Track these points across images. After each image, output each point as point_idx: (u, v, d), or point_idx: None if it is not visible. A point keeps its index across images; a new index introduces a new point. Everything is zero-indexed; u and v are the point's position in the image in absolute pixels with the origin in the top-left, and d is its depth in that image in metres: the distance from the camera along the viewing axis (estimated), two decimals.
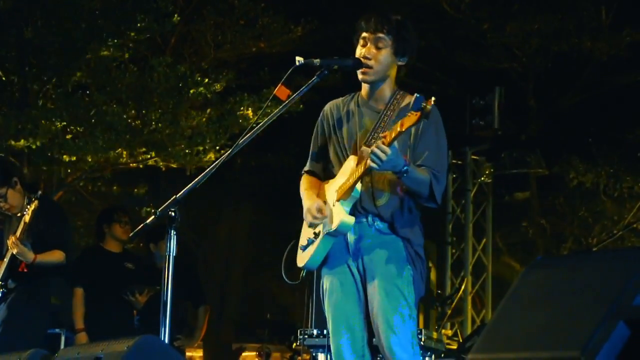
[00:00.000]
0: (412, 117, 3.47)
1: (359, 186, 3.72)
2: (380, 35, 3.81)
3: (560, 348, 1.81)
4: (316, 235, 3.82)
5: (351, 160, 3.77)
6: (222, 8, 10.39)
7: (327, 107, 4.04)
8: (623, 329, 1.75)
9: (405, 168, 3.59)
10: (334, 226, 3.72)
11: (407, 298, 3.72)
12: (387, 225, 3.78)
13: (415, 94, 3.54)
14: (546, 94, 12.32)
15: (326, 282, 3.88)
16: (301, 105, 9.52)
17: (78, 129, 8.93)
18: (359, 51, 3.84)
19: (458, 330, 10.18)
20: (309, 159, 4.08)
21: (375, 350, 3.85)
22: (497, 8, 11.52)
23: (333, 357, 3.85)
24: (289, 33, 10.46)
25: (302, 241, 3.92)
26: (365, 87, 3.92)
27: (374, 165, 3.54)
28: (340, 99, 4.03)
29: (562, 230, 12.51)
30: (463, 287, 10.24)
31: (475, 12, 11.57)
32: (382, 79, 3.85)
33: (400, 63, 3.87)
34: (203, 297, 7.61)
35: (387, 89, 3.87)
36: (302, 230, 3.98)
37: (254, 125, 3.84)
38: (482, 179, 10.61)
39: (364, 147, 3.72)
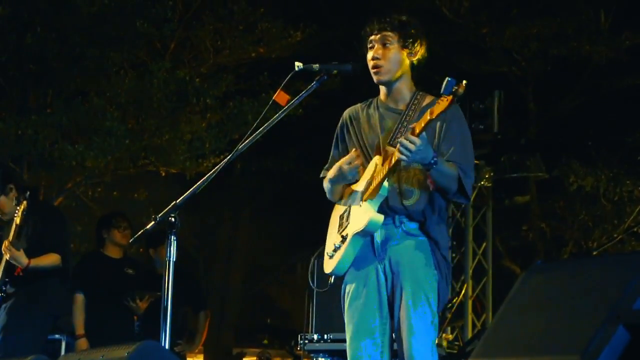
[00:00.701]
0: (443, 103, 3.45)
1: (386, 184, 3.71)
2: (385, 33, 3.83)
3: (560, 352, 1.81)
4: (343, 238, 3.80)
5: (375, 160, 3.76)
6: (221, 13, 10.40)
7: (345, 113, 4.04)
8: (623, 333, 1.75)
9: (434, 160, 3.58)
10: (362, 224, 3.69)
11: (431, 305, 3.71)
12: (417, 226, 3.77)
13: (447, 78, 3.51)
14: (546, 98, 12.32)
15: (349, 286, 3.85)
16: (301, 110, 9.52)
17: (77, 134, 8.94)
18: (368, 56, 3.85)
19: (459, 335, 10.16)
20: (329, 164, 4.04)
21: (395, 355, 3.82)
22: (496, 12, 11.52)
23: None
24: (288, 38, 10.46)
25: (329, 247, 3.90)
26: (382, 90, 3.93)
27: (403, 157, 3.53)
28: (359, 104, 4.03)
29: (562, 234, 12.49)
30: (463, 291, 10.23)
31: (474, 16, 11.57)
32: (397, 78, 3.85)
33: (411, 58, 3.86)
34: (203, 302, 7.62)
35: (405, 89, 3.87)
36: (328, 236, 3.96)
37: (254, 130, 3.84)
38: (482, 182, 10.59)
39: (388, 147, 3.72)
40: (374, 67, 3.83)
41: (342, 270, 3.82)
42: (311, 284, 4.24)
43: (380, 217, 3.69)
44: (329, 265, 3.87)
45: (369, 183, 3.74)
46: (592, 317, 1.82)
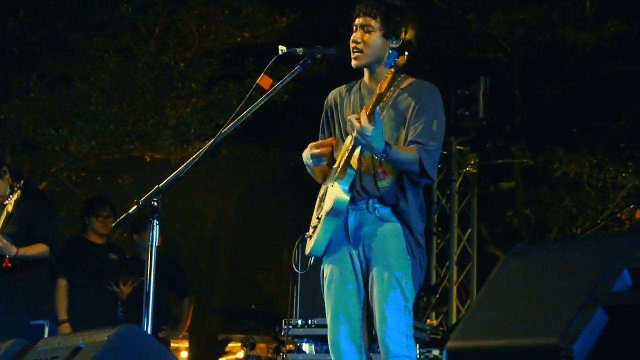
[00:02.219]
0: (388, 77, 3.55)
1: (353, 163, 3.72)
2: (368, 19, 3.83)
3: (539, 335, 1.81)
4: (319, 219, 3.83)
5: (347, 140, 3.79)
6: None
7: (330, 96, 4.07)
8: (602, 316, 1.75)
9: (384, 154, 3.60)
10: (329, 204, 3.72)
11: (404, 289, 3.71)
12: (389, 210, 3.77)
13: (389, 50, 3.65)
14: (531, 84, 12.35)
15: (326, 270, 3.88)
16: (286, 96, 9.51)
17: (61, 119, 8.89)
18: (351, 37, 3.86)
19: (443, 320, 10.21)
20: None
21: (374, 339, 3.84)
22: None
23: (330, 346, 3.85)
24: (273, 23, 10.42)
25: (310, 230, 3.93)
26: (366, 72, 3.94)
27: (354, 134, 3.59)
28: (343, 86, 4.06)
29: (546, 220, 12.54)
30: (448, 276, 10.27)
31: (460, 2, 11.57)
32: (377, 61, 3.86)
33: (393, 45, 3.86)
34: (187, 288, 7.61)
35: (386, 72, 3.88)
36: (312, 218, 3.99)
37: (237, 114, 3.84)
38: (467, 169, 10.63)
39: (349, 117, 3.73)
40: (353, 50, 3.84)
41: (319, 251, 3.83)
42: (294, 267, 4.26)
43: (346, 196, 3.71)
44: (308, 246, 3.91)
45: (341, 159, 3.77)
46: (571, 300, 1.82)
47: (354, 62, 3.87)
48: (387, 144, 3.62)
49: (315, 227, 3.86)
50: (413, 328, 3.77)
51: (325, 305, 3.88)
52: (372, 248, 3.76)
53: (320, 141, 3.90)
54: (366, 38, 3.83)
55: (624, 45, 11.41)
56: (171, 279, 7.26)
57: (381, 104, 3.73)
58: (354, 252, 3.81)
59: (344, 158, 3.73)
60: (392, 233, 3.76)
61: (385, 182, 3.77)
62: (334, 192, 3.72)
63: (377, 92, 3.58)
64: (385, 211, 3.77)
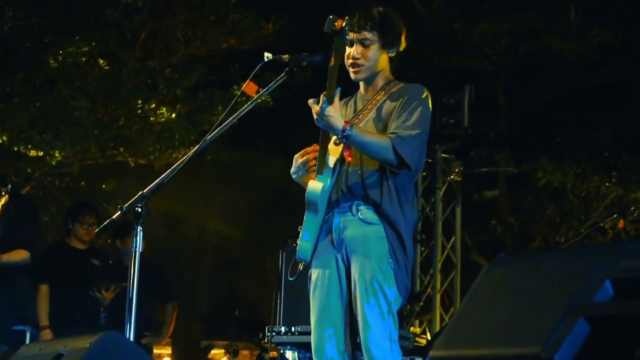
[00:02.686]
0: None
1: (332, 158, 3.72)
2: (365, 33, 3.81)
3: (521, 344, 1.81)
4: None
5: (332, 139, 3.78)
6: (192, 4, 10.35)
7: None
8: (583, 325, 1.76)
9: (343, 132, 3.59)
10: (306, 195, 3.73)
11: (386, 294, 3.67)
12: (372, 210, 3.75)
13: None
14: (516, 93, 12.40)
15: (313, 275, 3.86)
16: (271, 102, 9.51)
17: (45, 124, 8.85)
18: (347, 52, 3.84)
19: (426, 328, 10.21)
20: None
21: (358, 347, 3.82)
22: (467, 7, 11.57)
23: (313, 351, 3.82)
24: (259, 29, 10.43)
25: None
26: (362, 85, 3.96)
27: (319, 123, 3.63)
28: (342, 101, 4.04)
29: (530, 228, 12.58)
30: (431, 284, 10.28)
31: (446, 11, 11.61)
32: (375, 73, 3.88)
33: (390, 54, 3.88)
34: (171, 294, 7.58)
35: (380, 80, 3.89)
36: None
37: (222, 120, 3.83)
38: (452, 177, 10.64)
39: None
40: (353, 65, 3.83)
41: (304, 254, 3.81)
42: (281, 274, 4.25)
43: (317, 185, 3.70)
44: (296, 251, 3.90)
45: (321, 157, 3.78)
46: (553, 310, 1.82)
47: (354, 77, 3.87)
48: (348, 123, 3.62)
49: (299, 230, 3.87)
50: (397, 332, 3.74)
51: (311, 309, 3.87)
52: (354, 251, 3.75)
53: (303, 150, 3.89)
54: (366, 52, 3.82)
55: (609, 55, 11.48)
56: (154, 285, 7.24)
57: (369, 105, 3.75)
58: (338, 256, 3.79)
59: (324, 155, 3.74)
60: (375, 236, 3.73)
61: (370, 180, 3.76)
62: (308, 184, 3.73)
63: (329, 71, 3.59)
64: (369, 213, 3.76)
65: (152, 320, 7.58)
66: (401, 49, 3.93)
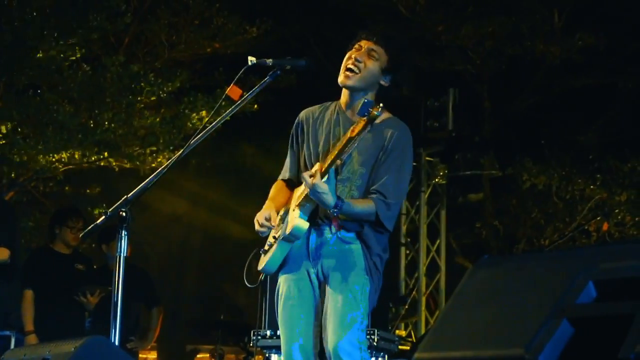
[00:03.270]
0: (360, 124, 3.51)
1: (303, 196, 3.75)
2: (379, 47, 3.81)
3: (504, 346, 1.83)
4: (275, 239, 3.84)
5: (316, 167, 3.75)
6: (176, 8, 10.32)
7: (302, 114, 4.04)
8: (566, 327, 1.77)
9: (335, 210, 3.64)
10: (287, 230, 3.73)
11: (360, 306, 3.72)
12: (354, 235, 3.79)
13: (364, 99, 3.58)
14: (500, 96, 12.42)
15: (283, 286, 3.88)
16: (256, 106, 9.50)
17: (29, 128, 8.81)
18: (349, 54, 3.83)
19: (412, 331, 10.23)
20: (284, 165, 4.07)
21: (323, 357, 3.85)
22: (451, 10, 11.59)
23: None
24: (243, 34, 10.42)
25: (265, 245, 3.92)
26: (345, 96, 3.91)
27: (307, 190, 3.65)
28: (317, 106, 4.03)
29: (515, 231, 12.61)
30: (417, 287, 10.29)
31: (430, 14, 11.62)
32: (364, 89, 3.83)
33: (383, 83, 3.85)
34: (156, 299, 7.58)
35: (359, 118, 3.87)
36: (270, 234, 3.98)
37: (207, 125, 3.83)
38: (436, 180, 10.68)
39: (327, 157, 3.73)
40: (349, 69, 3.82)
41: (270, 270, 3.87)
42: (245, 279, 4.24)
43: (305, 224, 3.73)
44: (260, 263, 3.91)
45: (303, 190, 3.76)
46: (536, 312, 1.84)
47: (344, 80, 3.83)
48: (339, 199, 3.65)
49: (270, 245, 3.87)
50: (366, 344, 3.79)
51: (279, 321, 3.89)
52: (331, 265, 3.78)
53: (266, 215, 3.85)
54: (369, 62, 3.81)
55: (592, 59, 11.53)
56: (140, 290, 7.24)
57: (351, 142, 3.70)
58: (312, 270, 3.83)
59: (306, 188, 3.72)
60: (353, 253, 3.79)
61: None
62: (293, 219, 3.73)
63: (348, 135, 3.57)
64: (347, 234, 3.79)
65: (138, 325, 7.57)
66: (398, 83, 3.89)
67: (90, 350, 3.13)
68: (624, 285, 1.84)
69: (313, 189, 3.59)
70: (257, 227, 3.85)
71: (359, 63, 3.80)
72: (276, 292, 3.93)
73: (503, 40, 11.48)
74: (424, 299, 10.33)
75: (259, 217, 3.83)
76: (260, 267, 3.92)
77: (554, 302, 1.83)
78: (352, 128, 3.56)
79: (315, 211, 3.77)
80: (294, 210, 3.77)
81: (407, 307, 9.76)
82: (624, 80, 12.07)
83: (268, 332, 6.09)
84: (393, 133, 3.78)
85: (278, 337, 6.00)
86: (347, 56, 3.84)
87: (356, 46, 3.85)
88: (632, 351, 1.65)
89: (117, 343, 3.49)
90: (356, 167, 3.77)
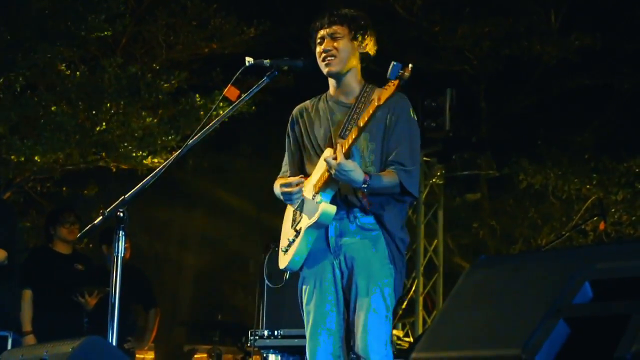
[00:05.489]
0: (390, 88, 3.54)
1: (328, 180, 3.73)
2: (335, 27, 3.87)
3: (501, 346, 1.83)
4: (297, 233, 3.81)
5: (327, 152, 3.76)
6: (174, 9, 10.32)
7: (295, 111, 4.07)
8: (563, 327, 1.78)
9: (365, 185, 3.63)
10: (315, 217, 3.71)
11: (386, 299, 3.72)
12: (373, 219, 3.77)
13: (393, 62, 3.60)
14: (497, 97, 12.45)
15: (306, 282, 3.87)
16: (253, 107, 9.50)
17: (26, 129, 8.81)
18: (318, 50, 3.88)
19: (409, 331, 10.23)
20: (283, 164, 4.08)
21: (349, 348, 3.83)
22: (448, 11, 11.61)
23: (309, 356, 3.84)
24: (241, 34, 10.42)
25: (283, 243, 3.91)
26: (332, 84, 3.96)
27: (332, 172, 3.62)
28: (308, 101, 4.05)
29: (512, 231, 12.63)
30: (414, 287, 10.30)
31: (427, 15, 11.64)
32: (347, 70, 3.88)
33: (361, 50, 3.90)
34: (154, 300, 7.59)
35: (354, 82, 3.90)
36: (282, 232, 3.97)
37: (204, 125, 3.83)
38: (434, 180, 10.68)
39: (339, 140, 3.75)
40: (325, 58, 3.86)
41: (296, 265, 3.84)
42: (267, 281, 4.24)
43: (333, 208, 3.71)
44: (283, 261, 3.88)
45: (322, 175, 3.76)
46: (533, 311, 1.85)
47: (328, 69, 3.88)
48: (367, 174, 3.65)
49: (291, 241, 3.85)
50: (391, 338, 3.79)
51: (304, 317, 3.87)
52: (354, 258, 3.76)
53: (287, 181, 3.87)
54: (336, 44, 3.86)
55: (589, 59, 11.55)
56: (138, 291, 7.25)
57: (355, 115, 3.74)
58: (335, 263, 3.80)
59: (325, 174, 3.71)
60: (375, 241, 3.76)
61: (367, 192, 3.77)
62: (320, 205, 3.71)
63: (376, 103, 3.55)
64: (368, 220, 3.78)
65: (135, 325, 7.58)
66: (371, 50, 3.94)
67: (88, 350, 3.14)
68: (621, 286, 1.85)
69: (339, 168, 3.57)
70: (285, 190, 3.82)
71: (330, 51, 3.85)
72: (299, 289, 3.91)
73: (500, 40, 11.51)
74: (421, 299, 10.33)
75: (281, 183, 3.83)
76: (283, 265, 3.89)
77: (551, 302, 1.83)
78: (378, 96, 3.56)
79: (334, 197, 3.76)
80: (314, 197, 3.75)
81: (404, 307, 9.76)
82: (620, 80, 12.10)
83: (266, 332, 6.08)
84: (393, 103, 3.79)
85: (276, 337, 6.03)
86: (317, 53, 3.89)
87: (318, 40, 3.90)
88: (629, 351, 1.66)
89: (114, 343, 3.49)
90: (366, 144, 3.79)
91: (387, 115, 3.79)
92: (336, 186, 3.73)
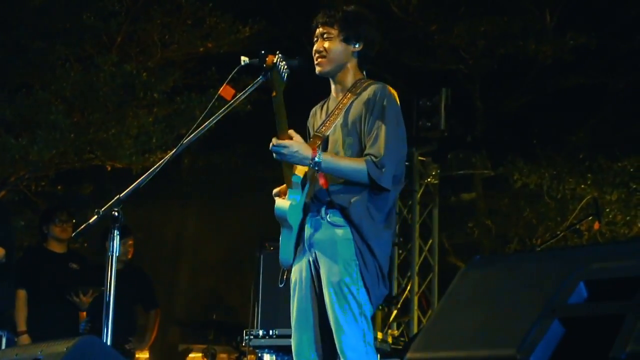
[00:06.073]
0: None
1: (298, 172, 3.75)
2: (326, 27, 3.90)
3: (496, 346, 1.83)
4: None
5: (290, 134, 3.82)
6: (169, 7, 10.31)
7: (312, 110, 4.15)
8: (558, 327, 1.78)
9: (315, 162, 3.65)
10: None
11: (355, 295, 3.69)
12: (338, 213, 3.75)
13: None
14: (492, 96, 12.46)
15: (292, 277, 3.91)
16: (249, 106, 9.49)
17: (21, 127, 8.79)
18: (314, 49, 3.93)
19: (404, 331, 10.24)
20: None
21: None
22: (444, 10, 11.61)
23: (294, 355, 3.85)
24: (236, 33, 10.41)
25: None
26: (331, 83, 4.00)
27: (276, 157, 3.68)
28: (321, 102, 4.11)
29: (507, 230, 12.64)
30: (409, 287, 10.30)
31: (422, 14, 11.64)
32: (339, 67, 3.91)
33: (355, 49, 3.91)
34: (155, 301, 7.61)
35: (348, 78, 3.94)
36: None
37: (199, 124, 3.83)
38: (429, 179, 10.68)
39: (313, 135, 3.81)
40: (316, 58, 3.92)
41: (285, 260, 3.87)
42: (259, 278, 4.26)
43: (284, 203, 3.74)
44: (280, 260, 3.94)
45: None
46: (528, 312, 1.85)
47: (317, 69, 3.93)
48: (316, 151, 3.67)
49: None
50: (371, 334, 3.76)
51: (291, 312, 3.91)
52: (321, 255, 3.78)
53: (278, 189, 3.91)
54: (327, 45, 3.89)
55: (584, 58, 11.57)
56: (139, 291, 7.27)
57: (335, 111, 3.78)
58: (310, 259, 3.83)
59: (288, 168, 3.77)
60: (341, 238, 3.74)
61: (336, 186, 3.77)
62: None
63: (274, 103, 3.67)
64: (336, 216, 3.77)
65: (136, 326, 7.58)
66: (372, 48, 3.96)
67: (83, 350, 3.13)
68: (615, 286, 1.85)
69: (275, 149, 3.66)
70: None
71: (321, 52, 3.90)
72: (291, 285, 3.94)
73: (495, 40, 11.51)
74: (416, 299, 10.34)
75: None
76: (281, 264, 3.94)
77: (546, 302, 1.83)
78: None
79: (310, 198, 3.78)
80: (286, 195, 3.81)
81: (399, 306, 9.76)
82: (615, 80, 12.12)
83: (260, 332, 6.09)
84: (370, 94, 3.82)
85: (270, 336, 6.03)
86: (313, 51, 3.95)
87: (314, 39, 3.96)
88: (624, 351, 1.66)
89: (109, 343, 3.49)
90: (343, 139, 3.81)
91: (365, 104, 3.81)
92: (297, 182, 3.74)
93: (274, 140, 3.68)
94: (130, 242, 7.31)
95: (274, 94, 3.66)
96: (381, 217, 3.79)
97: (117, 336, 6.66)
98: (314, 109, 4.13)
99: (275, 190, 3.90)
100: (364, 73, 3.96)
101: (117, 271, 5.84)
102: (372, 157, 3.71)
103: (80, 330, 6.83)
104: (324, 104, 4.07)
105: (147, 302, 7.49)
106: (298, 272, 3.86)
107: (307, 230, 3.81)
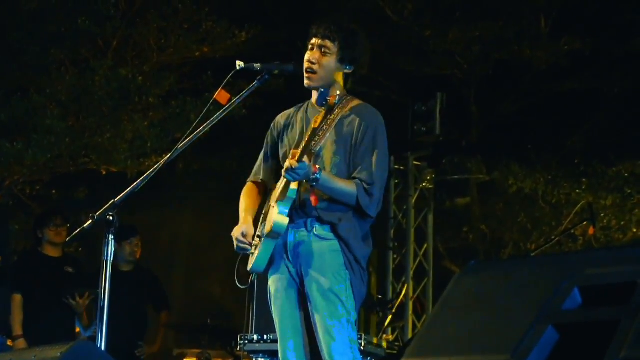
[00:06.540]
0: (320, 114, 3.65)
1: (294, 186, 3.74)
2: (327, 41, 3.86)
3: (491, 352, 1.83)
4: (260, 238, 3.86)
5: (287, 163, 3.76)
6: (165, 12, 10.30)
7: (277, 118, 4.11)
8: (552, 333, 1.78)
9: (315, 177, 3.64)
10: (267, 228, 3.74)
11: (344, 303, 3.74)
12: (328, 228, 3.78)
13: (320, 89, 3.80)
14: (487, 101, 12.46)
15: (272, 285, 3.91)
16: (244, 110, 9.49)
17: (17, 131, 8.78)
18: (306, 56, 3.88)
19: (399, 335, 10.24)
20: (255, 166, 4.10)
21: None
22: (439, 15, 11.62)
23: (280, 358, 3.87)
24: (232, 38, 10.41)
25: (252, 245, 3.94)
26: (314, 94, 3.98)
27: (289, 177, 3.65)
28: (292, 108, 4.08)
29: (502, 235, 12.64)
30: (404, 292, 10.30)
31: (418, 19, 11.65)
32: (328, 84, 3.89)
33: (346, 71, 3.90)
34: (166, 302, 7.62)
35: (333, 93, 3.89)
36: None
37: (194, 129, 3.84)
38: (424, 184, 10.69)
39: (293, 150, 3.76)
40: (307, 70, 3.87)
41: (259, 269, 3.87)
42: (236, 280, 4.24)
43: (284, 219, 3.73)
44: (249, 263, 3.93)
45: (280, 185, 3.80)
46: (522, 317, 1.85)
47: (306, 82, 3.90)
48: (317, 168, 3.67)
49: (256, 245, 3.89)
50: (356, 335, 3.80)
51: (274, 319, 3.91)
52: (309, 265, 3.79)
53: (243, 231, 3.90)
54: (323, 60, 3.86)
55: (578, 63, 11.58)
56: (150, 292, 7.27)
57: (325, 125, 3.74)
58: (293, 270, 3.84)
59: (282, 184, 3.75)
60: (330, 249, 3.79)
61: (324, 203, 3.78)
62: (273, 216, 3.75)
63: (312, 126, 3.64)
64: (324, 229, 3.79)
65: (146, 329, 7.54)
66: (362, 70, 3.96)
67: (77, 355, 3.13)
68: (609, 291, 1.85)
69: (289, 169, 3.61)
70: (235, 244, 3.87)
71: (313, 64, 3.86)
72: (268, 293, 3.95)
73: (490, 45, 11.52)
74: (411, 304, 10.34)
75: (236, 234, 3.88)
76: (249, 268, 3.94)
77: (540, 308, 1.84)
78: (314, 119, 3.67)
79: (293, 209, 3.78)
80: (273, 206, 3.78)
81: (394, 311, 9.76)
82: (610, 85, 12.13)
83: (255, 337, 6.08)
84: (362, 119, 3.83)
85: (265, 341, 6.03)
86: (305, 57, 3.89)
87: (310, 45, 3.90)
88: (617, 357, 1.66)
89: (103, 347, 3.48)
90: (330, 157, 3.80)
91: (353, 131, 3.80)
92: (292, 196, 3.74)
93: (304, 158, 3.61)
94: (137, 242, 7.31)
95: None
96: (364, 234, 3.87)
97: (126, 340, 6.65)
98: (284, 115, 4.06)
99: (238, 231, 3.90)
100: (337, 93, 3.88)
101: (126, 273, 5.94)
102: (364, 184, 3.76)
103: (88, 335, 6.82)
104: (299, 109, 4.01)
105: (159, 303, 7.50)
106: (278, 282, 3.87)
107: (291, 243, 3.81)
